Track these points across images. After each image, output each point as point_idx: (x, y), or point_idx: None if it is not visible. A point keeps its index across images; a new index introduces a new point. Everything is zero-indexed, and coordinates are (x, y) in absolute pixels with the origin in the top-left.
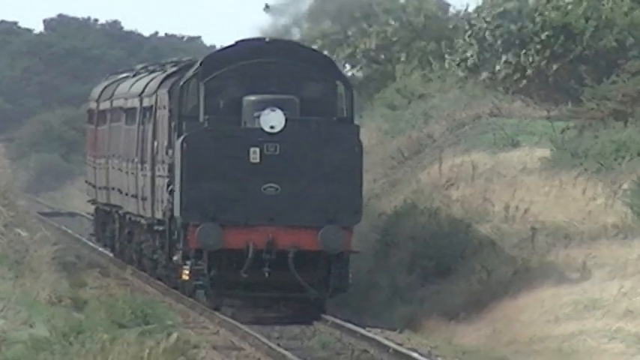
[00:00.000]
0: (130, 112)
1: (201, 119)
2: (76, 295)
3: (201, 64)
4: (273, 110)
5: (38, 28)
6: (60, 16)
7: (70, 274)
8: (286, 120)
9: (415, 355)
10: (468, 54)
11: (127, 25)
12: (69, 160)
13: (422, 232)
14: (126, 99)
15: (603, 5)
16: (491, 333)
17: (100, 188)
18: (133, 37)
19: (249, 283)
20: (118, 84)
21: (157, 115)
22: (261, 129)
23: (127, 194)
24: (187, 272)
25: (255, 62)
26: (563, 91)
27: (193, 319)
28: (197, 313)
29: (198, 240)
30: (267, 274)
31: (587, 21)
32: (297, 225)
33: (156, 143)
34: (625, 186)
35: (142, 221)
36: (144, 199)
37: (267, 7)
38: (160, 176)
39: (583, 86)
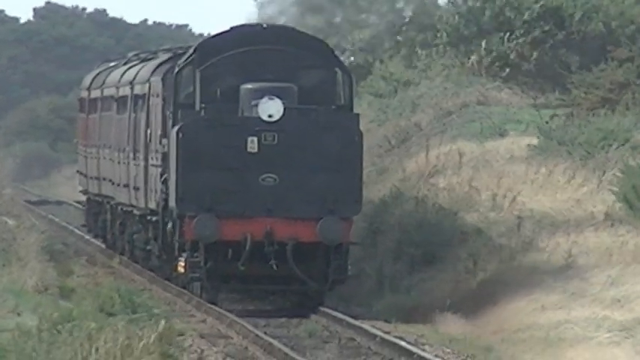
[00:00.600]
0: (121, 100)
1: (196, 108)
2: (63, 284)
3: (195, 51)
4: (272, 99)
5: (25, 16)
6: (48, 4)
7: (57, 262)
8: (285, 109)
9: (402, 343)
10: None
11: (114, 13)
12: (56, 149)
13: (409, 220)
14: (117, 87)
15: None
16: (478, 321)
17: (91, 178)
18: (121, 24)
19: (247, 275)
20: (110, 72)
21: (150, 103)
22: (259, 118)
23: (118, 184)
24: (183, 264)
25: (252, 49)
26: (549, 79)
27: (180, 307)
28: (184, 302)
29: (195, 231)
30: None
31: (576, 6)
32: (295, 216)
33: (149, 132)
34: (612, 174)
35: (135, 212)
36: (136, 189)
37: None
38: (153, 165)
39: (570, 73)
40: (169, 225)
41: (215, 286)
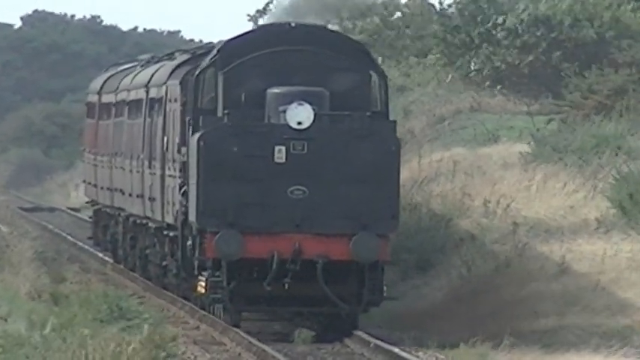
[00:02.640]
0: (134, 104)
1: (219, 114)
2: (56, 290)
3: (218, 52)
4: (301, 104)
5: (18, 23)
6: (35, 11)
7: (50, 269)
8: (315, 115)
9: (396, 350)
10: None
11: (106, 20)
12: (50, 156)
13: (402, 226)
14: (129, 90)
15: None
16: (472, 328)
17: (101, 188)
18: (113, 31)
19: (273, 296)
20: (124, 75)
21: (167, 108)
22: (287, 125)
23: (130, 195)
24: (203, 284)
25: (280, 50)
26: (542, 85)
27: (174, 314)
28: (177, 308)
29: (217, 249)
30: (286, 286)
31: (569, 13)
32: (326, 232)
33: (166, 139)
34: (606, 180)
35: (150, 224)
36: (152, 200)
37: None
38: (170, 176)
39: (563, 78)
40: (189, 241)
41: (238, 308)
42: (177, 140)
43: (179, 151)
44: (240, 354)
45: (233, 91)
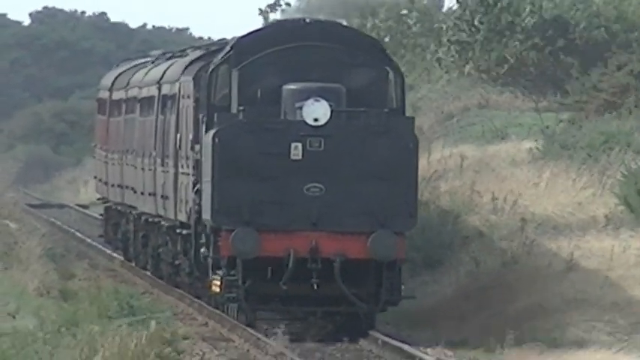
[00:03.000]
0: (146, 101)
1: (234, 110)
2: (64, 287)
3: (232, 48)
4: (317, 100)
5: (27, 20)
6: (45, 8)
7: (58, 265)
8: (332, 111)
9: (404, 346)
10: (458, 35)
11: (115, 17)
12: (58, 153)
13: None
14: (141, 87)
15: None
16: (480, 325)
17: (112, 186)
18: (122, 28)
19: (289, 295)
20: (135, 71)
21: (180, 105)
22: (304, 122)
23: (142, 193)
24: (218, 283)
25: (295, 46)
26: (550, 82)
27: (183, 310)
28: (186, 305)
29: (232, 247)
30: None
31: (583, 12)
32: (343, 230)
33: (179, 136)
34: (614, 177)
35: (162, 223)
36: (165, 198)
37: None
38: (183, 174)
39: (571, 76)
40: (202, 240)
41: (254, 308)
42: (190, 137)
43: (192, 149)
44: (248, 350)
45: (248, 87)
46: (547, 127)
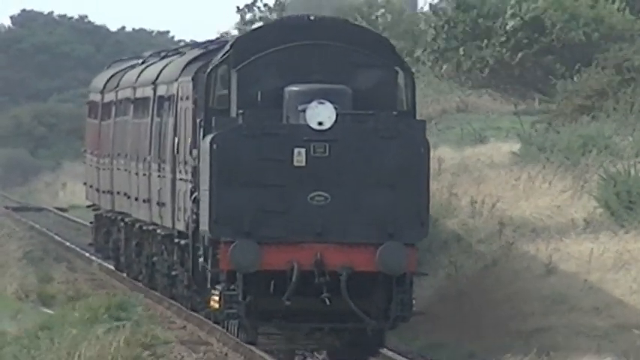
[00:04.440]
0: (141, 102)
1: (233, 114)
2: (43, 290)
3: (232, 47)
4: (322, 103)
5: (6, 23)
6: (23, 11)
7: (37, 268)
8: (337, 115)
9: (382, 350)
10: (437, 43)
11: (94, 20)
12: (36, 156)
13: None
14: (135, 88)
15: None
16: (459, 328)
17: (104, 192)
18: (101, 31)
19: (293, 311)
20: (125, 72)
21: (179, 107)
22: (307, 126)
23: (136, 199)
24: (217, 299)
25: (298, 45)
26: (530, 85)
27: (161, 313)
28: (164, 308)
29: (231, 260)
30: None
31: (562, 12)
32: (350, 241)
33: (177, 140)
34: (592, 180)
35: (158, 231)
36: (161, 205)
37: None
38: (182, 180)
39: (550, 79)
40: (201, 251)
41: (255, 324)
42: (188, 141)
43: (190, 153)
44: (226, 354)
45: (248, 89)
46: (532, 127)
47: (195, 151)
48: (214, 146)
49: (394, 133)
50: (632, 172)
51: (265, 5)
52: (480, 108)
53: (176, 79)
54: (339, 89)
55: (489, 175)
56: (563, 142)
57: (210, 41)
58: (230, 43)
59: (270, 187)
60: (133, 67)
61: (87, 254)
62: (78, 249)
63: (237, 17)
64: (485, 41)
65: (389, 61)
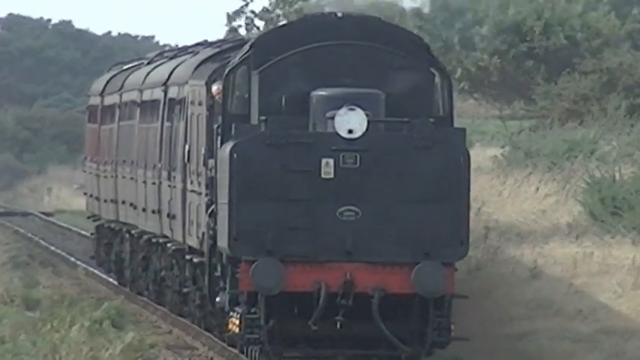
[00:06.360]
0: (149, 106)
1: (254, 121)
2: (28, 295)
3: (252, 47)
4: (352, 109)
5: None
6: (10, 15)
7: (22, 273)
8: (369, 122)
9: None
10: None
11: (80, 24)
12: (22, 160)
13: None
14: (142, 90)
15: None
16: None
17: (105, 201)
18: (87, 36)
19: (319, 336)
20: (129, 73)
21: (190, 112)
22: (336, 134)
23: (144, 210)
24: (237, 322)
25: (326, 45)
26: (514, 90)
27: (147, 318)
28: (150, 312)
29: (253, 280)
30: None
31: (539, 19)
32: (383, 261)
33: (187, 148)
34: (577, 185)
35: (168, 245)
36: (172, 217)
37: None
38: (193, 192)
39: (535, 84)
40: (218, 270)
41: (279, 351)
42: (203, 151)
43: (204, 164)
44: (212, 358)
45: (271, 93)
46: (511, 135)
47: (210, 161)
48: (234, 156)
49: (431, 142)
50: (617, 176)
51: (253, 12)
52: (465, 113)
53: (187, 81)
54: (370, 94)
55: (475, 180)
56: (549, 146)
57: (223, 40)
58: (250, 42)
59: (295, 201)
60: (137, 68)
61: (72, 259)
62: (63, 253)
63: (224, 21)
64: (464, 52)
65: (424, 63)
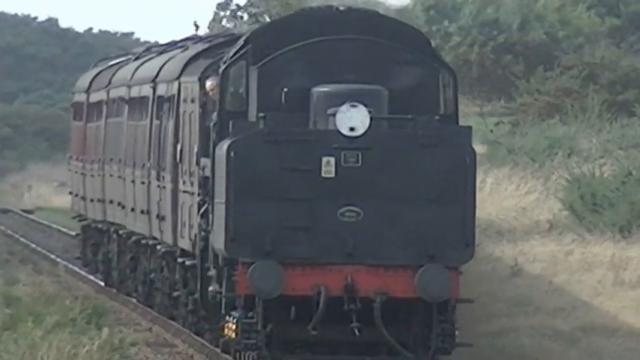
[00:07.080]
0: (137, 102)
1: (252, 118)
2: (8, 292)
3: (248, 42)
4: (354, 106)
5: None
6: None
7: (2, 270)
8: (371, 119)
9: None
10: None
11: (61, 22)
12: (2, 157)
13: None
14: (129, 86)
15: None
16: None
17: (91, 201)
18: (67, 33)
19: (319, 342)
20: (117, 69)
21: (181, 109)
22: (338, 131)
23: (132, 210)
24: (233, 327)
25: (327, 40)
26: (494, 87)
27: (126, 315)
28: (129, 310)
29: (250, 284)
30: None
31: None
32: (385, 263)
33: (179, 147)
34: (557, 182)
35: (158, 247)
36: (161, 218)
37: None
38: (185, 192)
39: (516, 77)
40: (211, 273)
41: (277, 357)
42: (195, 149)
43: (197, 163)
44: (192, 356)
45: (269, 89)
46: (491, 132)
47: (204, 160)
48: (232, 153)
49: (436, 141)
50: (597, 173)
51: (237, 5)
52: None
53: (177, 78)
54: (373, 90)
55: None
56: (529, 144)
57: (214, 35)
58: (246, 36)
59: (294, 201)
60: (125, 64)
61: (52, 256)
62: (44, 251)
63: (202, 18)
64: (444, 42)
65: (429, 59)
